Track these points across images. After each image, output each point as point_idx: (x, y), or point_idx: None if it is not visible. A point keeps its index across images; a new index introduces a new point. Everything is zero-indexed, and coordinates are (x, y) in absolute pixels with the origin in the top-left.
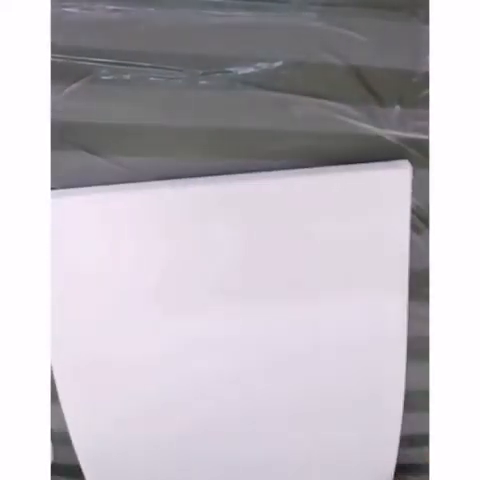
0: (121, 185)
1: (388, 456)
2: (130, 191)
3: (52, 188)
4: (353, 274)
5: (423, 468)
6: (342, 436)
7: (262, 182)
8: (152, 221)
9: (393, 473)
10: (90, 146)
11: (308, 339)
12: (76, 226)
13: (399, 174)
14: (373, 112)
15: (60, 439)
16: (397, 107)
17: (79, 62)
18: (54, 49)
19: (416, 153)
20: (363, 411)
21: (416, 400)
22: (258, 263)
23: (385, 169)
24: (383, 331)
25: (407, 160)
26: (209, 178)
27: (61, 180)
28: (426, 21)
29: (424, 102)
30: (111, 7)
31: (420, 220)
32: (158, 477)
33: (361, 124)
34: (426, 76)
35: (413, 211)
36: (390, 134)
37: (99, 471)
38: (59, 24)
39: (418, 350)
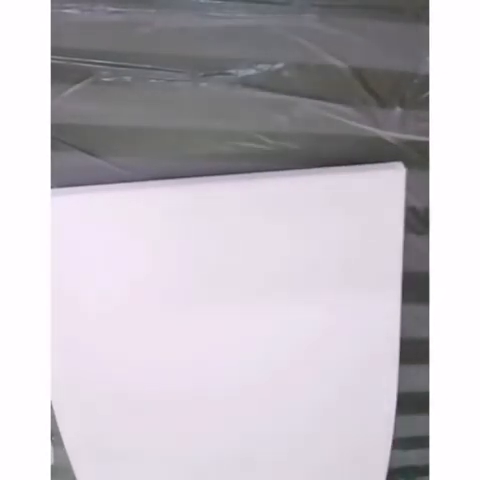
0: (121, 184)
1: (380, 458)
2: (129, 190)
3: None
4: (348, 273)
5: (416, 471)
6: (334, 436)
7: (259, 183)
8: (151, 220)
9: (385, 476)
10: (90, 148)
11: (303, 337)
12: (75, 224)
13: (393, 176)
14: (374, 114)
15: (60, 442)
16: (398, 109)
17: (80, 64)
18: (55, 51)
19: (417, 155)
20: (355, 411)
21: (410, 402)
22: (255, 263)
23: (380, 171)
24: (376, 331)
25: (402, 162)
26: (209, 178)
27: (61, 182)
28: (427, 23)
29: (425, 104)
30: (111, 9)
31: (420, 222)
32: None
33: (362, 126)
34: (427, 78)
35: (413, 213)
36: (391, 136)
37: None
38: (59, 26)
39: (418, 352)
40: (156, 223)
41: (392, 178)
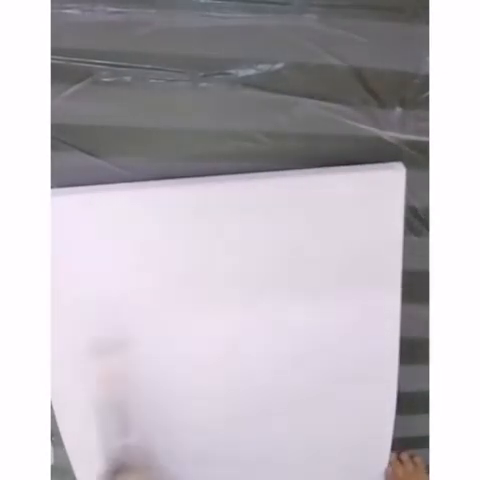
0: (121, 184)
1: (380, 458)
2: (128, 190)
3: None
4: (348, 273)
5: None
6: (334, 435)
7: (259, 183)
8: (151, 220)
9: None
10: (90, 148)
11: (303, 337)
12: (74, 224)
13: (393, 175)
14: (374, 114)
15: (60, 442)
16: (398, 109)
17: (80, 64)
18: (55, 51)
19: (417, 155)
20: (355, 411)
21: (411, 402)
22: (255, 262)
23: (380, 171)
24: (376, 331)
25: (401, 162)
26: (209, 178)
27: (61, 182)
28: (427, 23)
29: (425, 104)
30: (112, 9)
31: (420, 222)
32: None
33: (362, 125)
34: (427, 78)
35: (413, 213)
36: (391, 136)
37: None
38: (60, 26)
39: (418, 352)
40: (156, 223)
41: (392, 178)
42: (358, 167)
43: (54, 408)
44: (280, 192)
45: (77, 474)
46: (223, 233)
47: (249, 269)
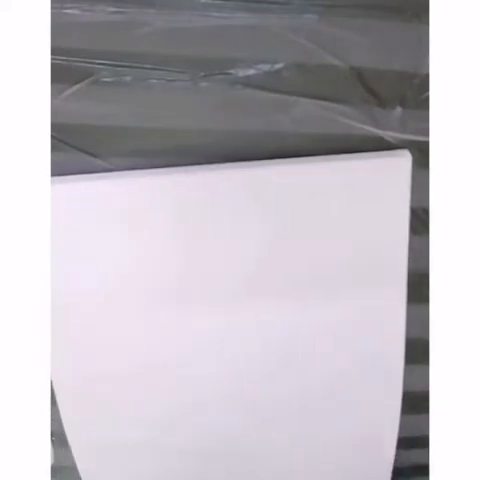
0: (121, 172)
1: (385, 458)
2: (130, 180)
3: None
4: (351, 269)
5: (420, 470)
6: (338, 437)
7: (256, 171)
8: (151, 210)
9: (390, 476)
10: (90, 148)
11: (306, 337)
12: (75, 215)
13: (399, 163)
14: (374, 113)
15: (60, 441)
16: (398, 109)
17: (80, 64)
18: (55, 51)
19: (417, 155)
20: (360, 412)
21: (415, 402)
22: (254, 259)
23: (385, 158)
24: (381, 330)
25: (407, 150)
26: (216, 165)
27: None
28: (427, 23)
29: (425, 104)
30: (112, 9)
31: (419, 222)
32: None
33: (362, 125)
34: (427, 78)
35: (413, 212)
36: (391, 135)
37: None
38: (60, 26)
39: (418, 352)
40: (157, 213)
41: (398, 165)
42: (362, 155)
43: (59, 407)
44: (280, 182)
45: (82, 474)
46: (224, 224)
47: (248, 266)
